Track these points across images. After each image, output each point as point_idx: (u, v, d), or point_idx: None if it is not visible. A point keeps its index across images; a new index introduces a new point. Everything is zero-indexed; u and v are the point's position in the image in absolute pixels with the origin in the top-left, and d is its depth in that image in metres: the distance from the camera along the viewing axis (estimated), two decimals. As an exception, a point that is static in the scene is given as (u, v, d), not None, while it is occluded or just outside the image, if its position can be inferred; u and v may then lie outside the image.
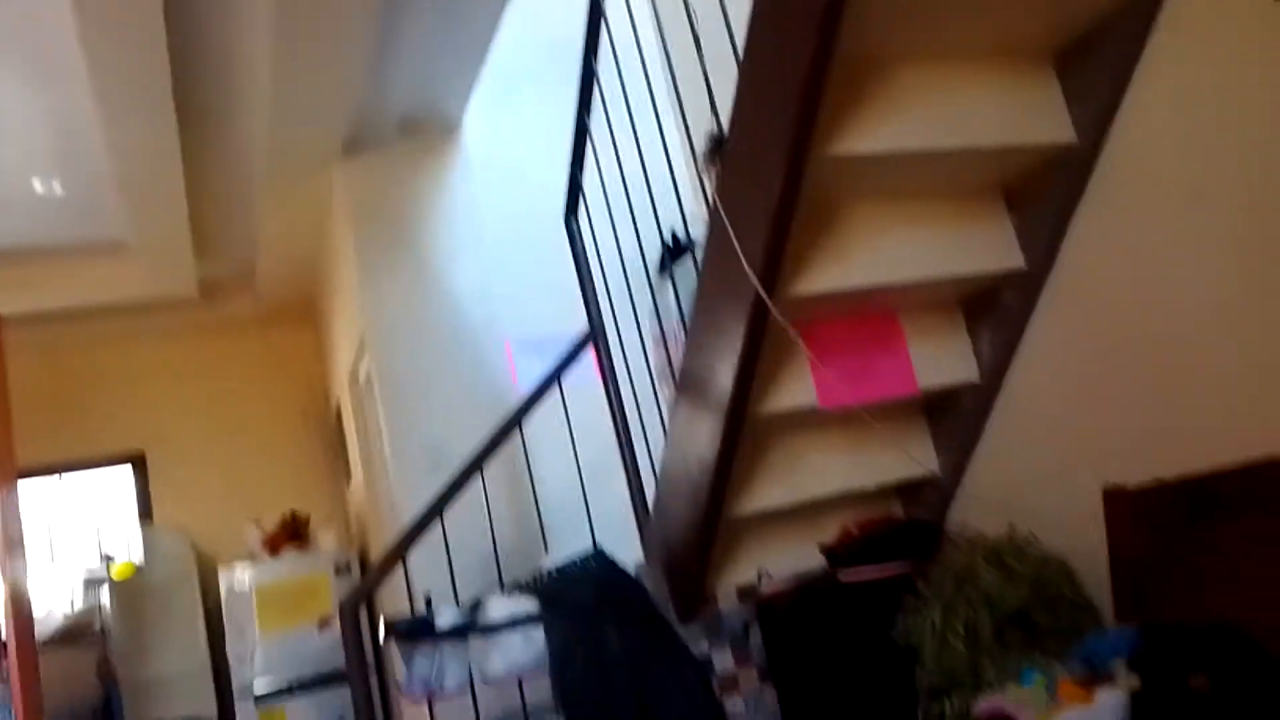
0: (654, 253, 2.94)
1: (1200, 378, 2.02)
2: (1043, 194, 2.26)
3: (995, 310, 2.44)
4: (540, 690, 2.70)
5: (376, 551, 4.02)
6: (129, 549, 4.63)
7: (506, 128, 4.53)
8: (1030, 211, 2.31)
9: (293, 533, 4.20)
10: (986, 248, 2.35)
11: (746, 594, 2.78)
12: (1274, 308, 1.84)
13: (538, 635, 2.62)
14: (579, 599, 2.62)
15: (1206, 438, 2.01)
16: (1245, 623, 1.83)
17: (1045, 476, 2.41)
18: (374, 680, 3.72)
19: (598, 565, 2.75)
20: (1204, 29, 1.91)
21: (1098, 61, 2.09)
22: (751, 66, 1.99)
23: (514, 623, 2.63)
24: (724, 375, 2.31)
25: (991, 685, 2.21)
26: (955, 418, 2.62)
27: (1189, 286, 2.01)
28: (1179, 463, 1.99)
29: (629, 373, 2.94)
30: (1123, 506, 2.16)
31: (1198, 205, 1.95)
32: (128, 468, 5.40)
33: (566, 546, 2.88)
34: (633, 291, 2.89)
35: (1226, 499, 1.92)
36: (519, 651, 2.63)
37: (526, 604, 2.65)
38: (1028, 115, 2.16)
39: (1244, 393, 1.93)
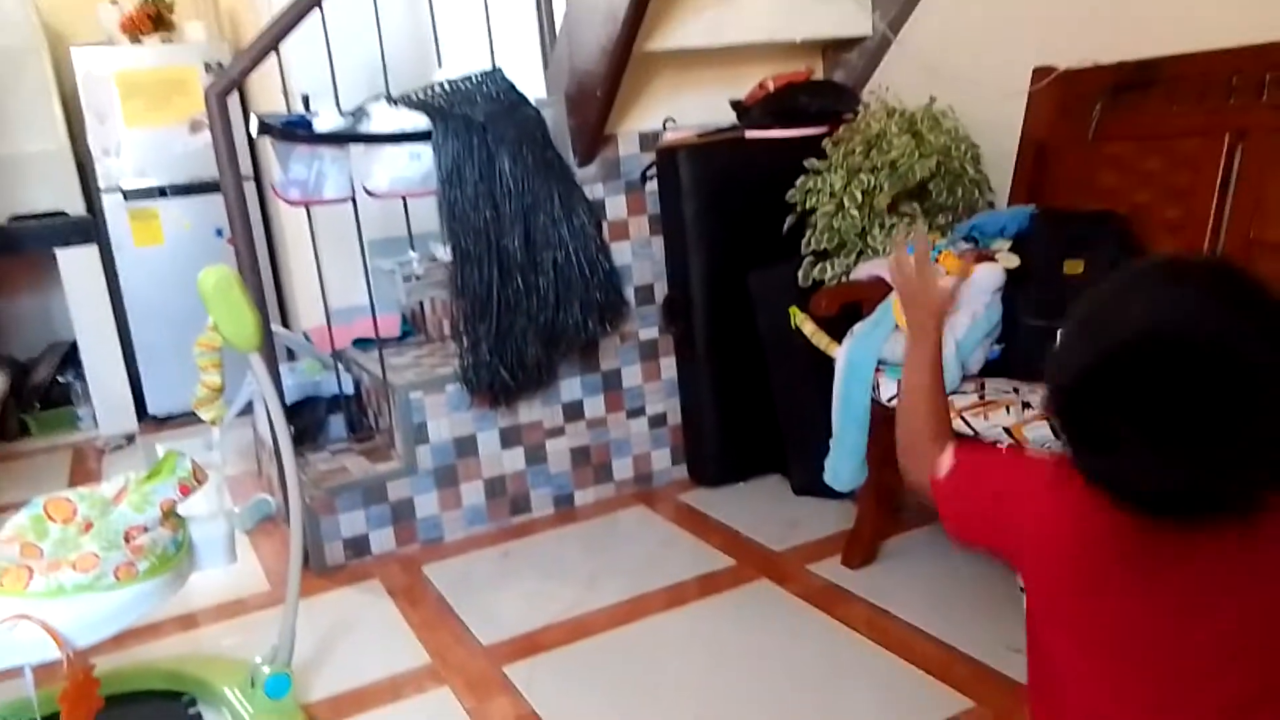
0: None
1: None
2: None
3: None
4: (424, 213, 2.62)
5: (254, 56, 3.64)
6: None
7: None
8: None
9: (155, 17, 3.75)
10: None
11: (649, 141, 2.66)
12: None
13: (425, 153, 2.47)
14: (472, 119, 2.44)
15: (1152, 26, 1.87)
16: (1133, 212, 1.84)
17: (979, 49, 2.27)
18: (251, 187, 3.58)
19: (495, 87, 2.55)
20: None
21: None
22: None
23: (401, 136, 2.46)
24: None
25: (876, 253, 2.24)
26: (902, -25, 2.38)
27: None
28: (1117, 49, 1.86)
29: None
30: (1049, 86, 2.06)
31: None
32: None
33: (463, 64, 2.64)
34: None
35: (1154, 84, 1.83)
36: (404, 167, 2.50)
37: (415, 118, 2.47)
38: None
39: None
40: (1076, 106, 2.00)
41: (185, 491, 1.56)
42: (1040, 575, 0.90)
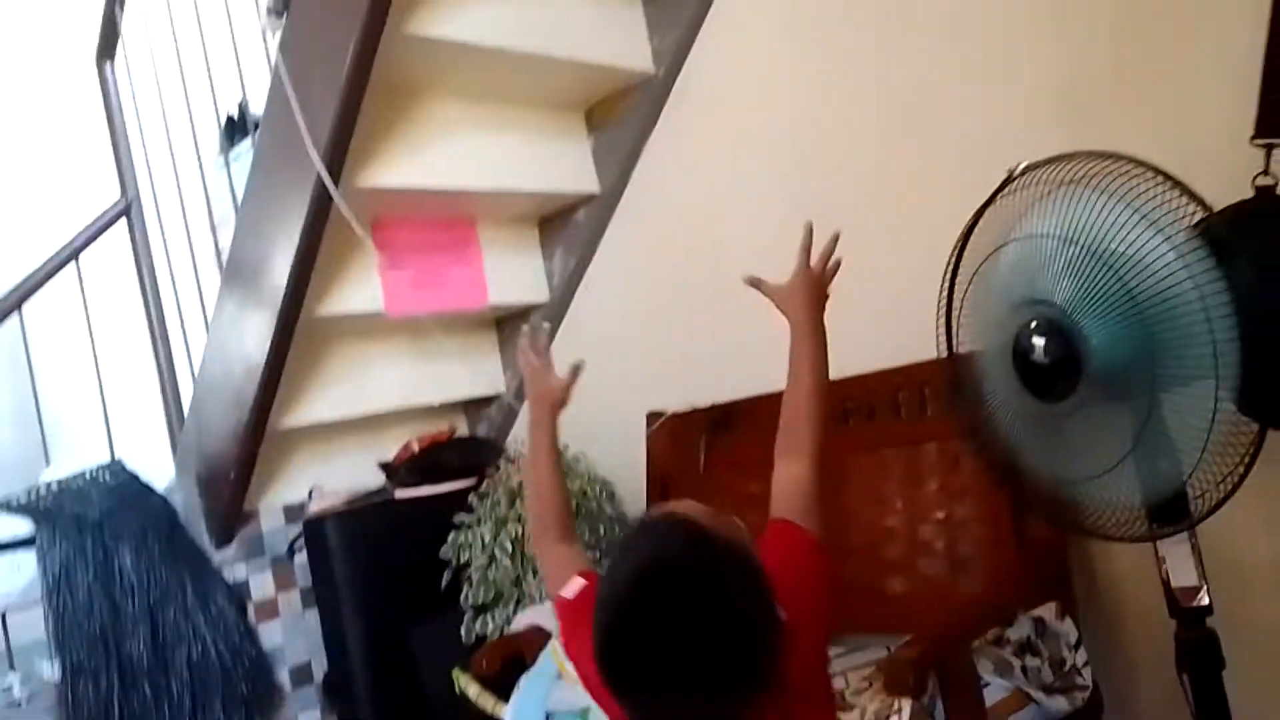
0: (212, 126, 2.55)
1: (730, 312, 2.18)
2: (620, 119, 2.29)
3: (569, 229, 2.45)
4: (30, 626, 2.30)
5: None
6: None
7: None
8: (607, 135, 2.34)
9: None
10: (566, 167, 2.35)
11: (296, 512, 2.57)
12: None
13: (28, 562, 2.21)
14: (85, 517, 2.24)
15: (735, 370, 2.19)
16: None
17: (601, 398, 2.47)
18: None
19: (114, 478, 2.38)
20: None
21: (680, -5, 2.15)
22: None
23: (-4, 545, 2.20)
24: (279, 268, 2.07)
25: (534, 599, 2.26)
26: (523, 337, 2.62)
27: (736, 222, 2.16)
28: (708, 390, 2.15)
29: (168, 256, 2.55)
30: (662, 428, 2.30)
31: (753, 135, 2.09)
32: None
33: (84, 458, 2.46)
34: (177, 164, 2.49)
35: (736, 421, 2.11)
36: (1, 580, 2.21)
37: (15, 526, 2.23)
38: (612, 36, 2.17)
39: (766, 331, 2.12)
40: (686, 443, 2.24)
41: None
42: None
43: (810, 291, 1.22)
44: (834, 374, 1.91)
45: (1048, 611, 1.65)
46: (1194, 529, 1.29)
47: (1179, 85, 1.56)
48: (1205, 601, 1.30)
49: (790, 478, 1.13)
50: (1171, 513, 1.27)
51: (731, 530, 0.96)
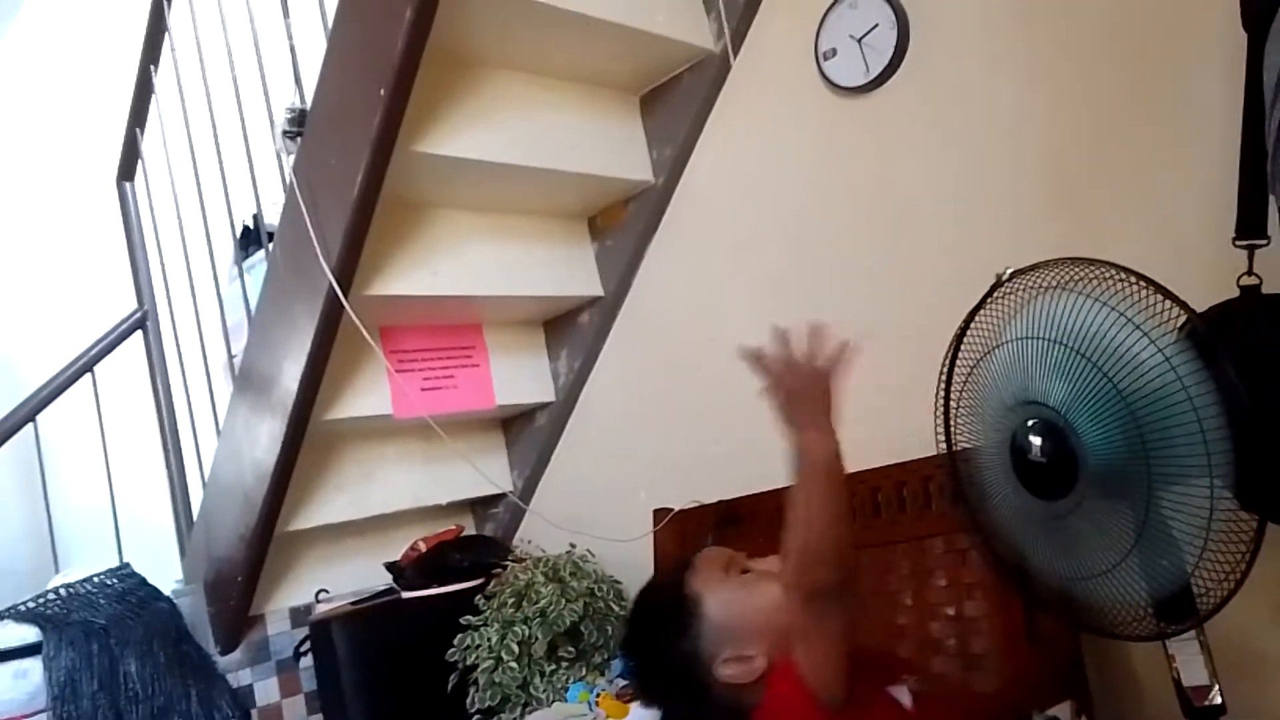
0: (226, 239, 2.64)
1: (734, 411, 2.21)
2: (622, 226, 2.36)
3: (574, 331, 2.50)
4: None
5: None
6: None
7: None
8: (610, 241, 2.41)
9: None
10: (569, 272, 2.41)
11: (301, 616, 2.56)
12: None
13: (34, 668, 2.20)
14: (92, 624, 2.24)
15: (741, 466, 2.21)
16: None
17: (607, 496, 2.51)
18: None
19: (121, 583, 2.38)
20: (760, 97, 2.14)
21: (677, 110, 2.24)
22: (340, 41, 1.86)
23: (3, 654, 2.18)
24: (290, 375, 2.11)
25: (541, 703, 2.23)
26: (530, 435, 2.65)
27: (735, 322, 2.20)
28: (715, 487, 2.16)
29: (182, 366, 2.60)
30: (668, 525, 2.30)
31: (750, 242, 2.15)
32: None
33: (94, 564, 2.46)
34: (193, 275, 2.56)
35: (742, 517, 2.13)
36: (7, 689, 2.19)
37: (22, 632, 2.22)
38: (613, 150, 2.26)
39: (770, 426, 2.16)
40: (692, 540, 2.24)
41: None
42: None
43: (805, 387, 1.08)
44: (838, 470, 1.96)
45: (1063, 711, 1.63)
46: (1202, 626, 1.29)
47: (1164, 188, 1.61)
48: (1218, 700, 1.29)
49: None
50: (1178, 610, 1.27)
51: (702, 584, 1.21)
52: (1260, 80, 1.31)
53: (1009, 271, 1.34)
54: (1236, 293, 1.38)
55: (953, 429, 1.46)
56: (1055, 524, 1.32)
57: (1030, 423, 1.30)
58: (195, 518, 2.53)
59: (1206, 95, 1.53)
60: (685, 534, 2.29)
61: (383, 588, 2.58)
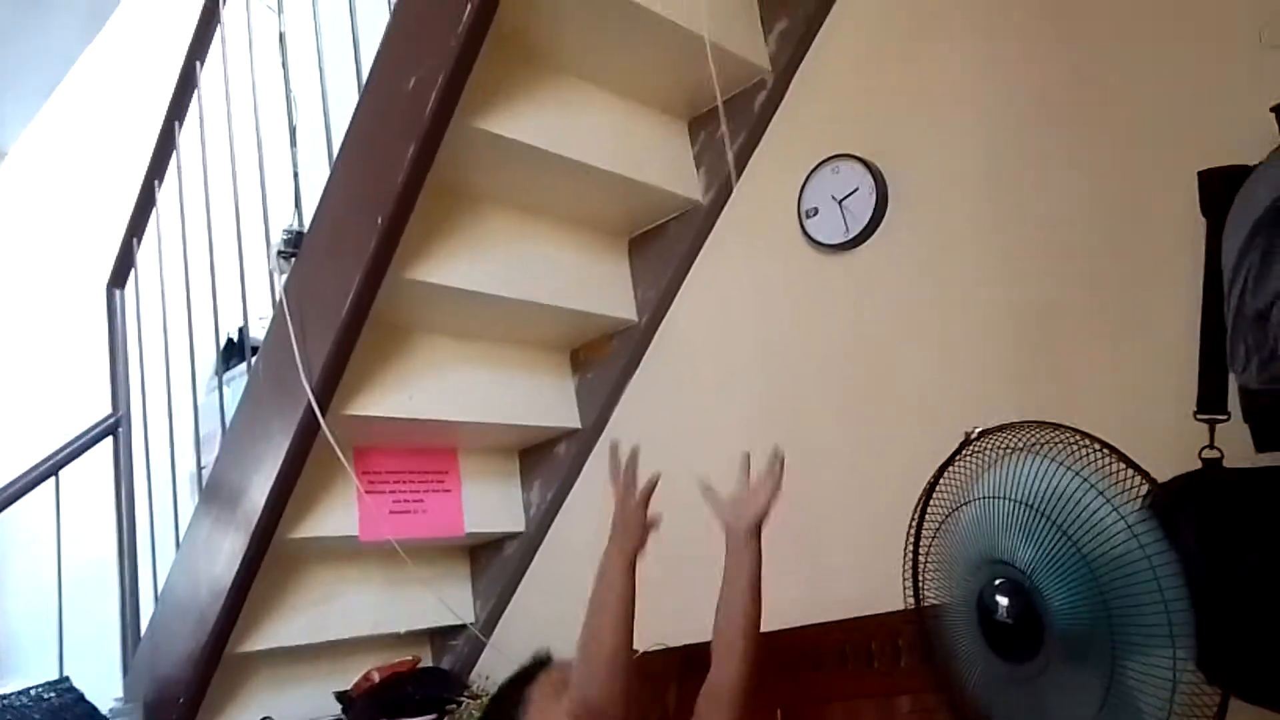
0: (209, 350, 2.65)
1: (706, 552, 2.20)
2: (602, 361, 2.41)
3: (549, 462, 2.50)
4: None
5: None
6: None
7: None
8: (591, 374, 2.45)
9: None
10: (548, 402, 2.43)
11: (243, 742, 2.45)
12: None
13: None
14: (21, 743, 2.13)
15: (708, 610, 2.18)
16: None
17: (572, 633, 2.45)
18: None
19: (59, 699, 2.28)
20: (744, 247, 2.24)
21: (664, 254, 2.32)
22: (344, 171, 1.93)
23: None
24: (259, 488, 2.09)
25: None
26: (498, 565, 2.60)
27: (711, 462, 2.21)
28: (681, 631, 2.13)
29: (149, 474, 2.57)
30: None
31: (728, 385, 2.19)
32: None
33: (34, 674, 2.37)
34: (171, 384, 2.56)
35: (707, 662, 2.09)
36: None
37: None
38: (599, 288, 2.32)
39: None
40: (656, 681, 2.18)
41: None
42: None
43: (746, 509, 1.41)
44: (805, 619, 1.93)
45: None
46: (1169, 799, 1.26)
47: (1129, 359, 1.66)
48: None
49: None
50: (1145, 781, 1.25)
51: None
52: (1219, 262, 1.39)
53: (977, 431, 1.37)
54: (1199, 464, 1.42)
55: (921, 584, 1.47)
56: (1021, 687, 1.31)
57: (997, 582, 1.30)
58: (142, 633, 2.45)
59: (1172, 271, 1.59)
60: (648, 676, 2.24)
61: (331, 718, 2.49)
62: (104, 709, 2.33)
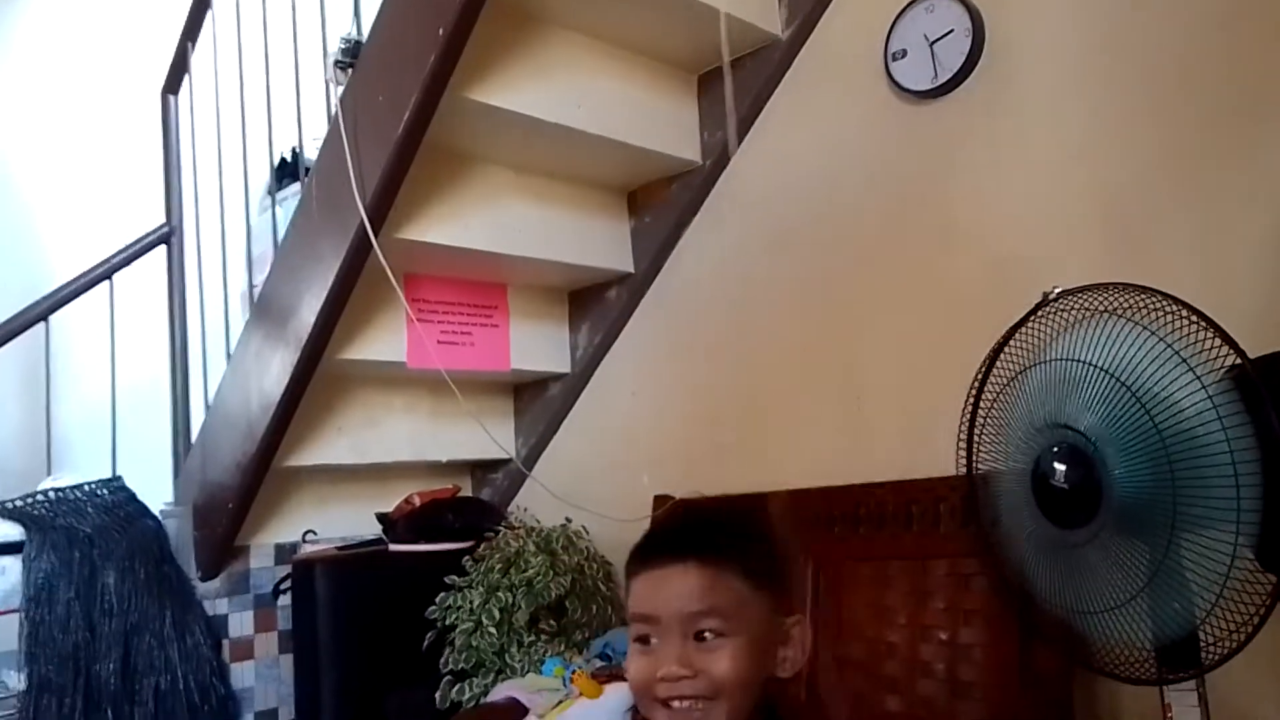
0: (263, 168, 2.61)
1: (750, 404, 2.19)
2: (662, 204, 2.33)
3: (598, 305, 2.47)
4: (3, 633, 2.25)
5: None
6: None
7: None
8: (648, 218, 2.38)
9: None
10: (603, 244, 2.38)
11: (286, 553, 2.54)
12: (830, 358, 2.04)
13: (13, 566, 2.19)
14: (77, 531, 2.22)
15: (746, 463, 2.18)
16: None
17: (609, 475, 2.48)
18: None
19: (111, 495, 2.37)
20: (821, 89, 2.11)
21: (735, 93, 2.19)
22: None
23: (-16, 548, 2.17)
24: (309, 308, 2.09)
25: (515, 671, 2.20)
26: (541, 404, 2.62)
27: (763, 319, 2.17)
28: (720, 480, 2.13)
29: (201, 287, 2.58)
30: (666, 513, 2.26)
31: (789, 240, 2.13)
32: None
33: (87, 473, 2.45)
34: (224, 199, 2.54)
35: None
36: (-15, 583, 2.18)
37: (5, 529, 2.21)
38: (665, 126, 2.23)
39: (780, 429, 2.12)
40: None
41: None
42: None
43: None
44: (846, 479, 1.92)
45: (1045, 751, 1.59)
46: (1204, 678, 1.25)
47: (1223, 230, 1.56)
48: (1209, 757, 1.25)
49: None
50: (1181, 658, 1.23)
51: None
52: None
53: (1057, 291, 1.30)
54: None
55: (975, 447, 1.43)
56: (1068, 553, 1.28)
57: (1056, 448, 1.26)
58: (193, 440, 2.51)
59: (1275, 142, 1.49)
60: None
61: (371, 537, 2.56)
62: (154, 510, 2.42)
